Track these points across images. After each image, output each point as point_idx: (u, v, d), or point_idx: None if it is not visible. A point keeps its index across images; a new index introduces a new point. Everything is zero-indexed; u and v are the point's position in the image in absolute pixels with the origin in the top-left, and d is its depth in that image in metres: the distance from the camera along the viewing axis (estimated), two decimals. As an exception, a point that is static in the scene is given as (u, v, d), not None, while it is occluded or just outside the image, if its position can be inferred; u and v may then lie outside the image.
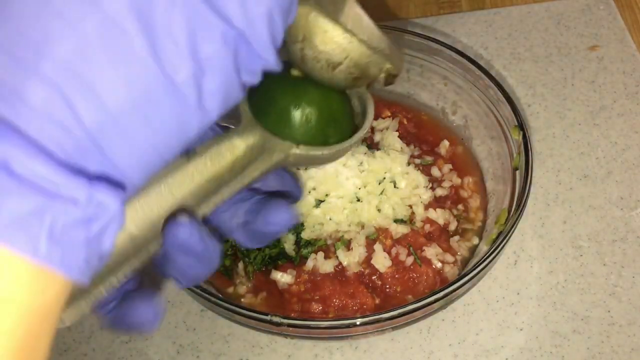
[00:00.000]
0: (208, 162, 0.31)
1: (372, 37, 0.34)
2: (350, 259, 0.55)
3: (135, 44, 0.22)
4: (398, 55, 0.36)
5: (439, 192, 0.61)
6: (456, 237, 0.60)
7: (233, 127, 0.33)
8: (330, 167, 0.58)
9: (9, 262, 0.20)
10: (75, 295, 0.26)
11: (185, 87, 0.23)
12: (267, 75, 0.28)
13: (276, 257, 0.57)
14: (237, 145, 0.32)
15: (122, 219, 0.23)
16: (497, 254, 0.51)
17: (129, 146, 0.23)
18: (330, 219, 0.57)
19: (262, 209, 0.33)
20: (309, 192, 0.58)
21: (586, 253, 0.61)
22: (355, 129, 0.36)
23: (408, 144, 0.63)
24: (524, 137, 0.56)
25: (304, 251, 0.56)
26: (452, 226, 0.60)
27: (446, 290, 0.49)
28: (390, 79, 0.36)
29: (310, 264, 0.55)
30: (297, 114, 0.33)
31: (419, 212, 0.58)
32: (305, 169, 0.59)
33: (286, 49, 0.33)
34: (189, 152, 0.30)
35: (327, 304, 0.54)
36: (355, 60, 0.32)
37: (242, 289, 0.58)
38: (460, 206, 0.62)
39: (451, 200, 0.62)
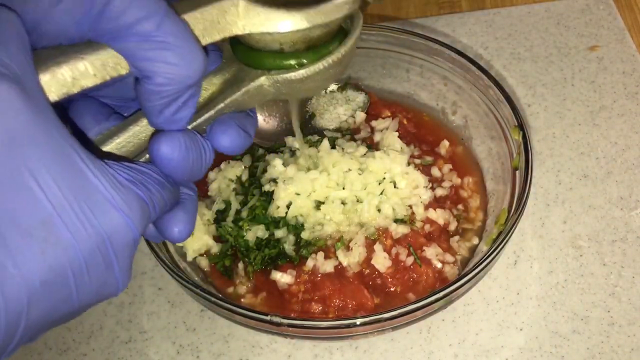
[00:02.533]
0: None
1: None
2: (350, 259, 0.55)
3: None
4: None
5: (439, 192, 0.61)
6: (456, 237, 0.60)
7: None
8: (330, 167, 0.58)
9: None
10: None
11: None
12: None
13: (276, 257, 0.57)
14: (214, 82, 0.36)
15: None
16: (497, 254, 0.51)
17: None
18: (330, 219, 0.57)
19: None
20: (309, 194, 0.58)
21: (586, 253, 0.61)
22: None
23: (408, 144, 0.63)
24: (524, 137, 0.56)
25: (304, 251, 0.56)
26: (452, 226, 0.60)
27: (446, 290, 0.49)
28: None
29: (310, 264, 0.55)
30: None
31: (419, 212, 0.58)
32: (308, 169, 0.59)
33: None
34: None
35: (327, 304, 0.54)
36: (304, 35, 0.34)
37: (242, 289, 0.58)
38: (460, 206, 0.62)
39: (451, 200, 0.62)
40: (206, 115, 0.35)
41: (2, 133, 0.24)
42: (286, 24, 0.33)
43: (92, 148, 0.33)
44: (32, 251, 0.25)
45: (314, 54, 0.36)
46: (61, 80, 0.29)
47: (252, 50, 0.36)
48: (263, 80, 0.36)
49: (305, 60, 0.36)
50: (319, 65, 0.36)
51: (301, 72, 0.35)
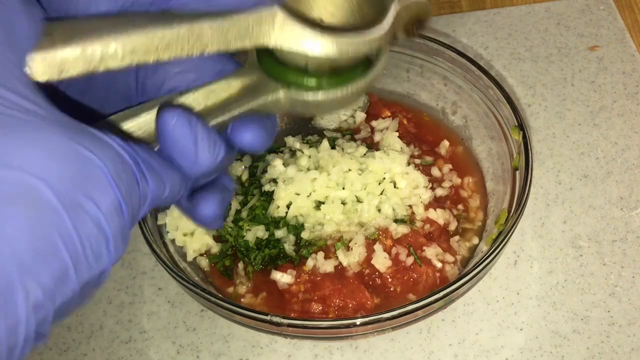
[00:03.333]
0: (200, 97, 0.34)
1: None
2: (350, 259, 0.55)
3: None
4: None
5: (439, 192, 0.61)
6: (456, 237, 0.60)
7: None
8: (330, 167, 0.58)
9: None
10: None
11: None
12: None
13: (276, 257, 0.57)
14: (233, 85, 0.35)
15: None
16: (497, 254, 0.51)
17: None
18: (330, 219, 0.57)
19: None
20: (309, 194, 0.58)
21: (586, 253, 0.61)
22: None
23: (408, 144, 0.63)
24: (524, 137, 0.56)
25: (304, 251, 0.56)
26: (452, 226, 0.60)
27: (446, 290, 0.49)
28: (418, 25, 0.37)
29: (310, 264, 0.55)
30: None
31: (419, 212, 0.58)
32: (308, 169, 0.59)
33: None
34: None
35: (327, 304, 0.54)
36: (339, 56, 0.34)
37: (242, 289, 0.58)
38: (460, 206, 0.62)
39: (451, 200, 0.62)
40: (219, 119, 0.34)
41: None
42: (316, 47, 0.33)
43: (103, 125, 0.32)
44: (15, 217, 0.24)
45: (335, 79, 0.36)
46: (89, 57, 0.29)
47: (277, 63, 0.36)
48: (281, 94, 0.35)
49: (325, 83, 0.35)
50: (338, 92, 0.36)
51: (319, 95, 0.35)
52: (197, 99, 0.35)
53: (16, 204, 0.23)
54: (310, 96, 0.35)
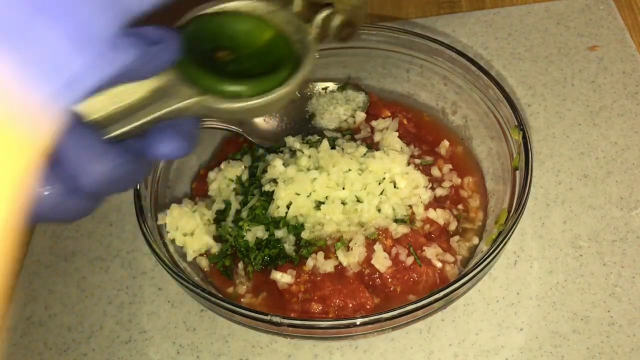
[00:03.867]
0: (105, 101, 0.32)
1: None
2: (350, 259, 0.55)
3: None
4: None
5: (439, 192, 0.61)
6: (456, 237, 0.60)
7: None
8: (330, 167, 0.58)
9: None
10: None
11: None
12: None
13: (276, 257, 0.57)
14: (142, 88, 0.33)
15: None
16: (497, 254, 0.51)
17: None
18: (330, 219, 0.57)
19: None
20: (309, 194, 0.58)
21: (586, 253, 0.61)
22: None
23: (408, 144, 0.63)
24: (524, 137, 0.56)
25: (304, 251, 0.56)
26: (452, 226, 0.60)
27: (446, 290, 0.49)
28: (346, 30, 0.34)
29: (310, 264, 0.55)
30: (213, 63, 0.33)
31: (419, 212, 0.58)
32: (308, 169, 0.59)
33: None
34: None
35: (327, 304, 0.54)
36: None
37: (242, 289, 0.58)
38: (460, 206, 0.62)
39: (451, 200, 0.62)
40: (125, 128, 0.33)
41: None
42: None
43: None
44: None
45: (256, 86, 0.33)
46: None
47: (192, 66, 0.33)
48: (193, 102, 0.33)
49: (243, 91, 0.33)
50: (256, 101, 0.33)
51: (235, 106, 0.33)
52: (102, 102, 0.32)
53: None
54: (225, 106, 0.33)
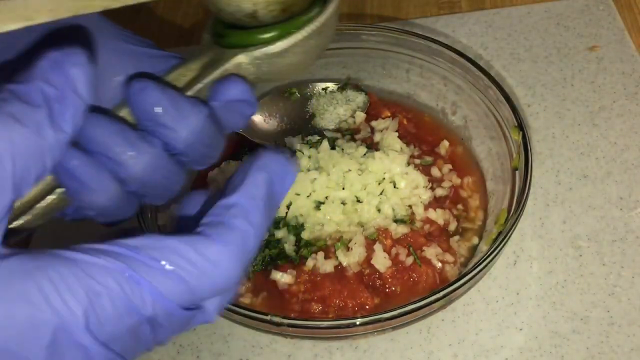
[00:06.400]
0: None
1: None
2: (350, 259, 0.55)
3: None
4: None
5: (439, 192, 0.61)
6: (456, 237, 0.60)
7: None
8: (330, 167, 0.58)
9: None
10: None
11: None
12: None
13: (276, 257, 0.57)
14: (192, 68, 0.35)
15: None
16: (497, 254, 0.51)
17: None
18: (330, 219, 0.57)
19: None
20: (309, 195, 0.58)
21: (586, 253, 0.61)
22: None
23: (408, 144, 0.63)
24: (524, 137, 0.56)
25: (304, 251, 0.56)
26: (452, 226, 0.60)
27: (446, 290, 0.49)
28: None
29: (310, 264, 0.55)
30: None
31: (419, 212, 0.59)
32: (308, 169, 0.59)
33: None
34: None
35: (327, 304, 0.54)
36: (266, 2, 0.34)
37: (242, 289, 0.58)
38: (460, 206, 0.62)
39: (451, 200, 0.62)
40: (190, 93, 0.35)
41: None
42: None
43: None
44: None
45: (291, 25, 0.35)
46: None
47: (228, 29, 0.35)
48: (241, 58, 0.35)
49: (281, 32, 0.35)
50: (297, 36, 0.35)
51: (279, 45, 0.35)
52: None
53: None
54: (270, 48, 0.34)
